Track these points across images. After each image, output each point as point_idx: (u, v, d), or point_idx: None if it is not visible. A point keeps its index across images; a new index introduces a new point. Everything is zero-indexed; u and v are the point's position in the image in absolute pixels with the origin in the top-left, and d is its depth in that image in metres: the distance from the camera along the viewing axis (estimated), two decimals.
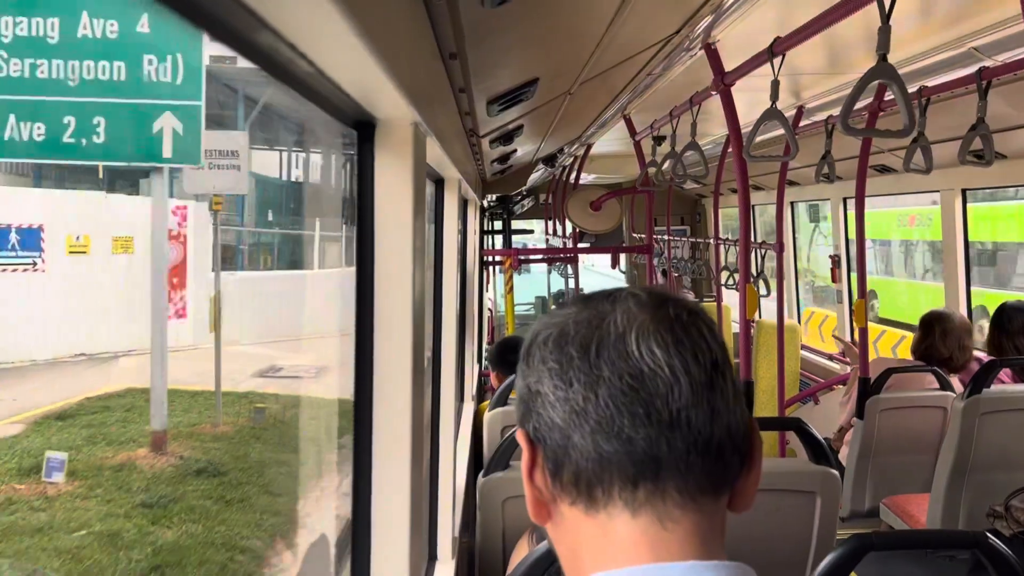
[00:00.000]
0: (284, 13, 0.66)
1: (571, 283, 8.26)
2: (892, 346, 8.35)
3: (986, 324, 3.71)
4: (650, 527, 0.64)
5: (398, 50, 0.94)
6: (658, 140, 4.59)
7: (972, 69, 2.83)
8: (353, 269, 1.18)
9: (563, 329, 0.67)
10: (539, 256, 7.75)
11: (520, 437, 0.69)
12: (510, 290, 6.40)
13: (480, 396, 5.29)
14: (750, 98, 3.34)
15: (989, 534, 1.35)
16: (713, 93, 3.03)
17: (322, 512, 6.85)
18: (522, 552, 1.80)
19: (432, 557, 2.39)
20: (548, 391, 0.66)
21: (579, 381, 0.64)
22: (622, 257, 8.34)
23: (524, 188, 8.23)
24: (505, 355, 3.73)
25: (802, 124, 4.05)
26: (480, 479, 2.21)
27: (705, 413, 0.64)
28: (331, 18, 0.67)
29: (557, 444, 0.66)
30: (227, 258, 12.81)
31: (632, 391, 0.63)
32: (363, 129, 1.13)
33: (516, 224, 10.24)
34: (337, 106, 1.01)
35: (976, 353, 3.69)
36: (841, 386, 4.91)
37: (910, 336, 3.90)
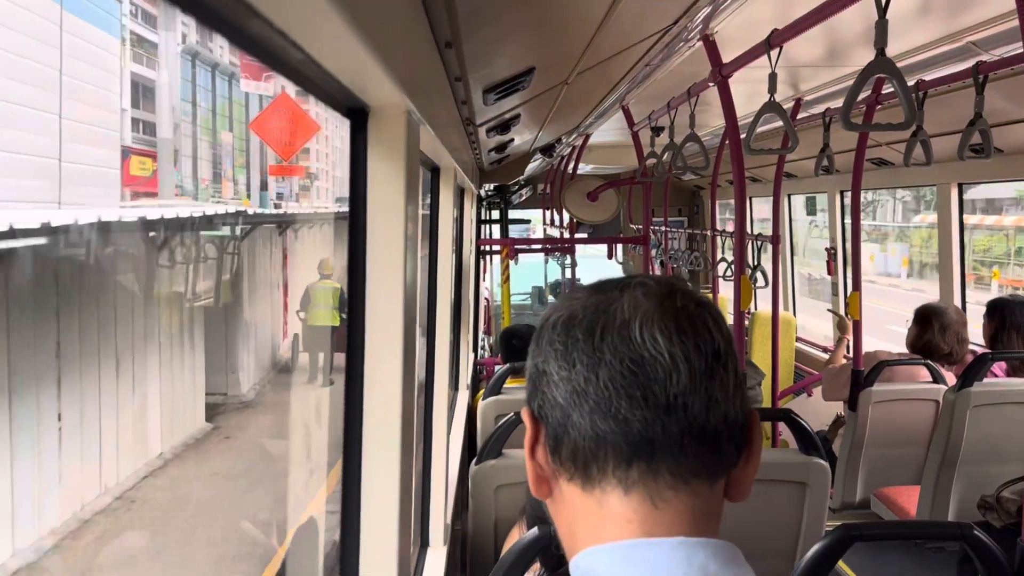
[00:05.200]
0: (276, 1, 0.66)
1: (568, 273, 8.26)
2: None
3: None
4: (641, 505, 0.67)
5: (391, 38, 0.94)
6: (656, 131, 4.58)
7: (969, 63, 2.83)
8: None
9: (572, 313, 0.69)
10: (536, 246, 7.75)
11: (525, 414, 0.72)
12: (506, 279, 6.40)
13: (475, 385, 5.30)
14: (748, 89, 3.33)
15: (975, 525, 1.36)
16: (711, 84, 3.03)
17: None
18: (515, 539, 1.82)
19: (424, 544, 2.41)
20: (553, 371, 0.68)
21: (582, 363, 0.67)
22: (618, 248, 8.33)
23: (522, 178, 8.22)
24: (509, 343, 3.84)
25: (800, 116, 4.05)
26: (472, 467, 2.22)
27: (702, 401, 0.66)
28: (322, 7, 0.67)
29: (558, 422, 0.68)
30: None
31: (631, 375, 0.65)
32: (356, 117, 1.13)
33: (514, 214, 10.23)
34: (329, 93, 1.01)
35: (972, 347, 3.70)
36: None
37: None
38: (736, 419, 0.68)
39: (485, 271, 8.70)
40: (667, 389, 0.65)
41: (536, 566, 1.49)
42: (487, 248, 7.52)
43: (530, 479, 0.72)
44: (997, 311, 3.49)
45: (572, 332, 0.68)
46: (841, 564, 3.01)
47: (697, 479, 0.67)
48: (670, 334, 0.66)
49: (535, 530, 1.44)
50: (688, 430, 0.66)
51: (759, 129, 3.20)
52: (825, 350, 6.02)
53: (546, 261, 10.29)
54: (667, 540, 0.66)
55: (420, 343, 2.53)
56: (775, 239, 4.52)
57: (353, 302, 1.17)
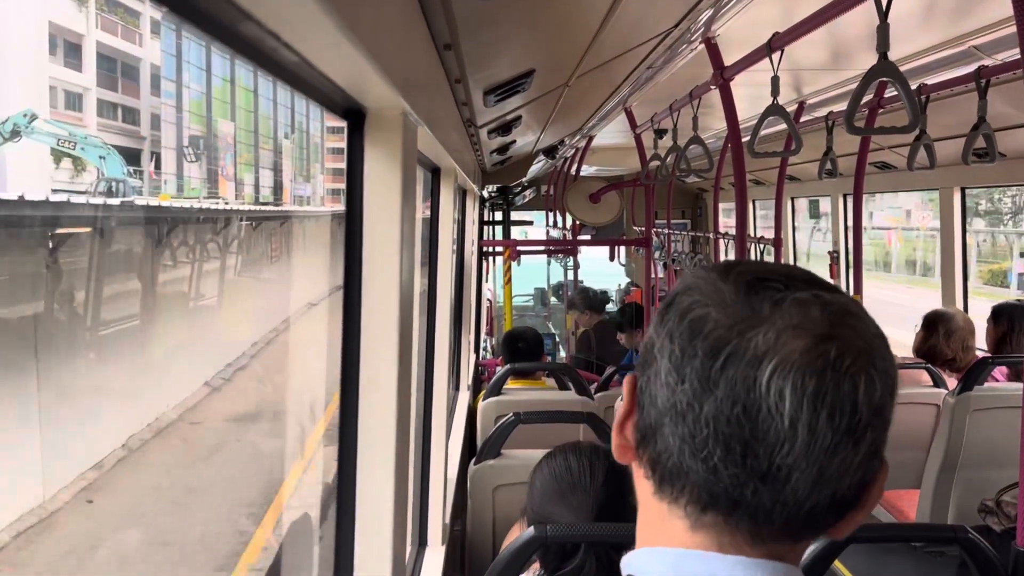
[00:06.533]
0: (267, 4, 0.67)
1: (571, 275, 8.27)
2: None
3: None
4: (706, 543, 0.61)
5: (387, 40, 0.95)
6: (659, 133, 4.59)
7: (972, 67, 2.83)
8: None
9: (705, 315, 0.59)
10: (538, 247, 7.77)
11: (627, 384, 0.65)
12: (508, 281, 6.41)
13: (476, 386, 5.31)
14: (751, 92, 3.33)
15: (969, 528, 1.36)
16: (713, 87, 3.03)
17: None
18: (514, 538, 1.82)
19: (423, 543, 2.41)
20: (663, 368, 0.60)
21: (691, 383, 0.58)
22: (621, 249, 8.34)
23: (525, 179, 8.23)
24: (514, 345, 3.86)
25: (803, 119, 4.05)
26: (471, 467, 2.23)
27: (810, 477, 0.57)
28: (314, 10, 0.68)
29: (650, 422, 0.61)
30: None
31: (737, 425, 0.57)
32: (353, 118, 1.14)
33: (517, 215, 10.24)
34: (326, 95, 1.02)
35: (979, 353, 3.68)
36: None
37: None
38: (847, 494, 0.59)
39: (488, 272, 8.70)
40: (772, 456, 0.56)
41: (536, 566, 1.49)
42: (490, 249, 7.52)
43: (614, 445, 0.66)
44: (1004, 315, 3.47)
45: (694, 341, 0.59)
46: (842, 568, 3.01)
47: (779, 543, 0.60)
48: (803, 394, 0.56)
49: (531, 530, 1.44)
50: (782, 503, 0.58)
51: (764, 131, 3.21)
52: None
53: (548, 263, 10.29)
54: (725, 556, 0.60)
55: (419, 343, 2.54)
56: (777, 242, 4.52)
57: (349, 302, 1.17)
